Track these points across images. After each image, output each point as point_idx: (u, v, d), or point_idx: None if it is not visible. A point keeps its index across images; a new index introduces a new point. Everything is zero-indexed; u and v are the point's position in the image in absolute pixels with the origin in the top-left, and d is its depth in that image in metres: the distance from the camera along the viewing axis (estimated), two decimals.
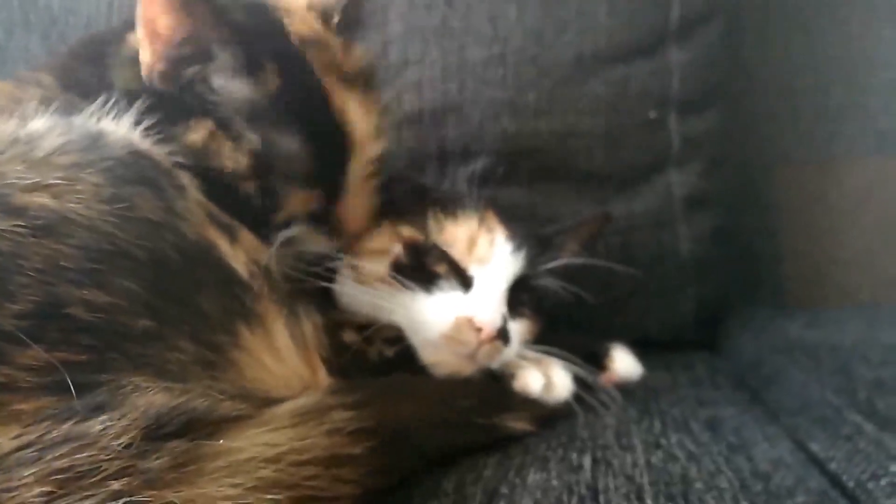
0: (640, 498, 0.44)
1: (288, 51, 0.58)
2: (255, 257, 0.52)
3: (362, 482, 0.42)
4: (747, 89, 1.13)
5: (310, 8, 0.64)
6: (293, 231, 0.58)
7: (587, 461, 0.49)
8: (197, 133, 0.55)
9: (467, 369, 0.59)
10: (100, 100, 0.51)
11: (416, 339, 0.60)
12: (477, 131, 0.87)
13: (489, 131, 0.87)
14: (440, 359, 0.59)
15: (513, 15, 0.89)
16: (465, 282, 0.62)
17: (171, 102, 0.55)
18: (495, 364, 0.60)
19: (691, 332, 0.93)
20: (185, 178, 0.51)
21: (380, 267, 0.62)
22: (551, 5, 0.89)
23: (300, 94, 0.57)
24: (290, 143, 0.56)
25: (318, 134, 0.57)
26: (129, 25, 0.59)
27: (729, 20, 1.00)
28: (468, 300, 0.60)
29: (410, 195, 0.68)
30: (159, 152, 0.51)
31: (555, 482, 0.46)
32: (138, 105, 0.53)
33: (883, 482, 0.45)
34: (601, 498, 0.44)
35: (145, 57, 0.55)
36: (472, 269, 0.62)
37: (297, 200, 0.58)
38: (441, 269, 0.62)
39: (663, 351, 0.84)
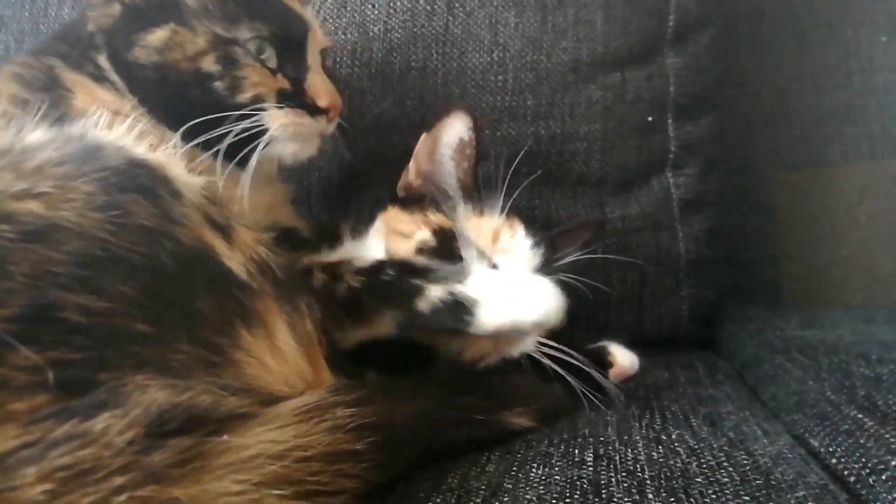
0: (642, 492, 0.44)
1: None
2: (252, 255, 0.53)
3: (365, 477, 0.42)
4: (743, 94, 1.15)
5: None
6: (270, 117, 0.62)
7: (589, 456, 0.49)
8: (162, 32, 0.62)
9: (492, 354, 0.60)
10: (96, 113, 0.52)
11: None
12: None
13: (489, 136, 0.88)
14: (466, 342, 0.59)
15: (512, 22, 0.90)
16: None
17: (144, 16, 0.63)
18: (516, 352, 0.60)
19: (687, 332, 0.94)
20: (182, 184, 0.51)
21: (406, 247, 0.65)
22: (549, 13, 0.90)
23: None
24: (246, 29, 0.62)
25: (273, 14, 0.64)
26: None
27: (724, 26, 1.01)
28: None
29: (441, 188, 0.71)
30: (156, 159, 0.51)
31: (558, 477, 0.46)
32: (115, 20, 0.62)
33: (884, 476, 0.46)
34: (603, 492, 0.44)
35: None
36: (495, 260, 0.65)
37: (258, 74, 0.63)
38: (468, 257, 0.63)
39: (662, 351, 0.84)
